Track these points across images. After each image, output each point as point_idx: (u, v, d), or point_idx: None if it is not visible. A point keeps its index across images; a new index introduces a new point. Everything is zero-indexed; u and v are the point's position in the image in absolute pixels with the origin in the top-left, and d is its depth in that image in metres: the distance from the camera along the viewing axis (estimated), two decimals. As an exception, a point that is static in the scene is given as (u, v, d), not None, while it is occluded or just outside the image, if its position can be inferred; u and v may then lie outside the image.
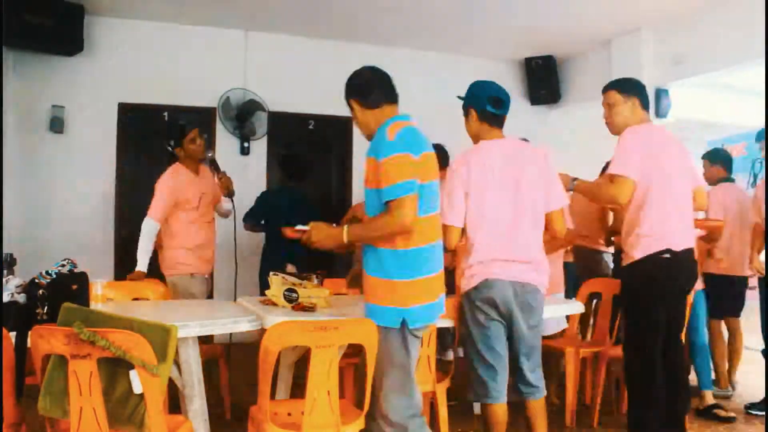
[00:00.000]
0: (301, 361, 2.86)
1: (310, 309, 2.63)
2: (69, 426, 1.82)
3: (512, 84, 6.83)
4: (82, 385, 1.78)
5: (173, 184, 3.57)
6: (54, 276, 2.16)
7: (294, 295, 2.65)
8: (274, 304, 2.74)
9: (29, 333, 1.91)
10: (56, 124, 5.19)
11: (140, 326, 1.85)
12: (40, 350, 1.81)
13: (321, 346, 2.08)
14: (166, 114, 5.66)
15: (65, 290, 2.16)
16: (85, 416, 1.79)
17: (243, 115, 5.69)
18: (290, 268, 3.94)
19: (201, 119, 5.73)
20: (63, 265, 2.27)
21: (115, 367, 1.83)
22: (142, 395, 1.80)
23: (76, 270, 2.32)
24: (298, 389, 2.87)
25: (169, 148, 3.69)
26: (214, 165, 3.73)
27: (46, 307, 2.10)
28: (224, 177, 3.71)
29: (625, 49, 5.76)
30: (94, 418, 1.79)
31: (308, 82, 6.01)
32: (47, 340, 1.79)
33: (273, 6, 5.23)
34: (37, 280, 2.14)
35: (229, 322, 2.36)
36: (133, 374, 1.80)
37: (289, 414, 2.30)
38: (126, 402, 1.82)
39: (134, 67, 5.49)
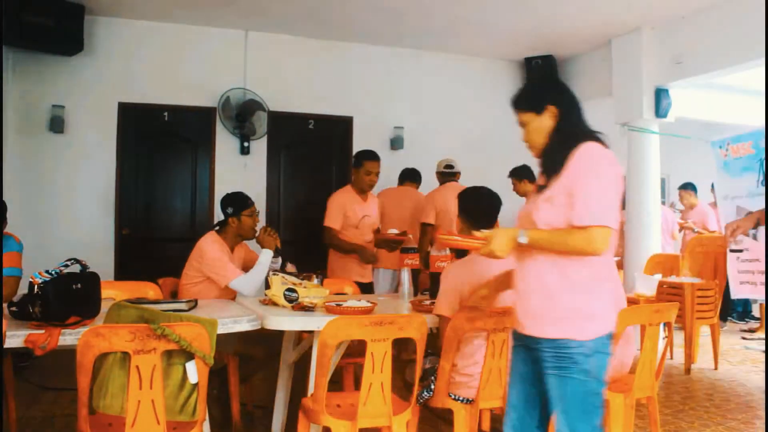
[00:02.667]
0: (302, 361, 2.87)
1: (309, 309, 2.63)
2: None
3: (512, 84, 6.83)
4: (143, 379, 1.86)
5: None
6: (54, 275, 2.15)
7: (294, 294, 2.66)
8: (274, 304, 2.74)
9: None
10: (56, 124, 5.19)
11: (189, 320, 2.00)
12: (95, 349, 1.84)
13: (376, 339, 2.18)
14: (166, 114, 5.66)
15: (65, 290, 2.16)
16: (142, 410, 1.86)
17: (243, 115, 5.69)
18: (290, 267, 3.94)
19: (201, 119, 5.74)
20: (67, 265, 2.26)
21: (168, 361, 1.93)
22: (192, 385, 1.93)
23: (87, 270, 2.31)
24: (299, 389, 2.88)
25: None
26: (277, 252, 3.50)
27: (38, 306, 2.10)
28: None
29: (625, 49, 5.76)
30: (152, 411, 1.87)
31: (308, 82, 6.01)
32: (107, 338, 1.84)
33: (273, 6, 5.22)
34: (32, 279, 2.14)
35: (229, 321, 2.37)
36: (191, 365, 1.92)
37: (338, 405, 2.40)
38: (177, 393, 1.94)
39: (134, 67, 5.49)
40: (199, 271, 3.25)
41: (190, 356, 1.94)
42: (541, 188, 1.87)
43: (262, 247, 3.39)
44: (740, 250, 4.30)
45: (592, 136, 1.83)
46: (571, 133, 1.84)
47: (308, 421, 2.32)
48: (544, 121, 1.87)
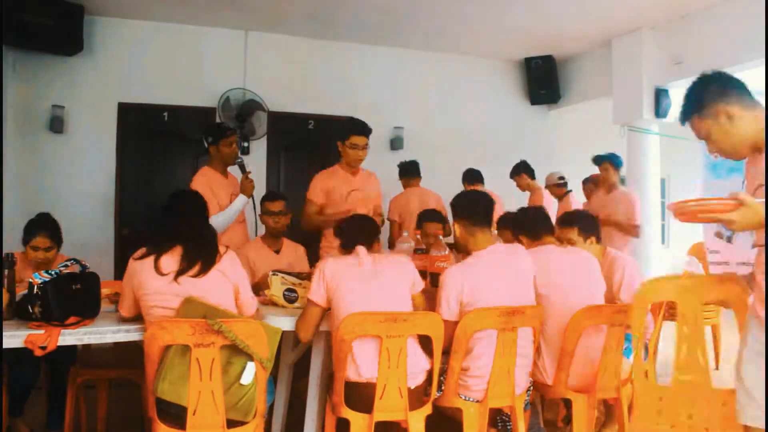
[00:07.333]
0: (301, 360, 2.86)
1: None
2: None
3: (512, 84, 6.84)
4: (203, 371, 1.96)
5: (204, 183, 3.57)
6: (54, 275, 2.15)
7: (294, 294, 2.66)
8: (274, 304, 2.73)
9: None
10: (56, 124, 5.19)
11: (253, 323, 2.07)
12: (159, 341, 1.97)
13: (391, 336, 2.21)
14: (166, 114, 5.66)
15: (65, 290, 2.16)
16: (202, 400, 1.97)
17: (243, 115, 5.69)
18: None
19: (201, 119, 5.73)
20: (66, 265, 2.26)
21: (228, 359, 2.00)
22: (249, 386, 2.00)
23: (87, 271, 2.32)
24: (300, 388, 2.88)
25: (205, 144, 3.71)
26: (242, 167, 3.76)
27: (38, 306, 2.10)
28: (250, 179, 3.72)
29: (625, 49, 5.76)
30: (212, 401, 1.97)
31: (308, 82, 6.01)
32: (169, 331, 1.96)
33: (273, 6, 5.22)
34: (31, 280, 2.14)
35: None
36: (250, 366, 2.00)
37: (356, 399, 2.39)
38: (236, 391, 2.00)
39: (134, 67, 5.48)
40: None
41: (250, 358, 2.01)
42: None
43: (241, 191, 3.65)
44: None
45: None
46: None
47: (333, 415, 2.36)
48: None
